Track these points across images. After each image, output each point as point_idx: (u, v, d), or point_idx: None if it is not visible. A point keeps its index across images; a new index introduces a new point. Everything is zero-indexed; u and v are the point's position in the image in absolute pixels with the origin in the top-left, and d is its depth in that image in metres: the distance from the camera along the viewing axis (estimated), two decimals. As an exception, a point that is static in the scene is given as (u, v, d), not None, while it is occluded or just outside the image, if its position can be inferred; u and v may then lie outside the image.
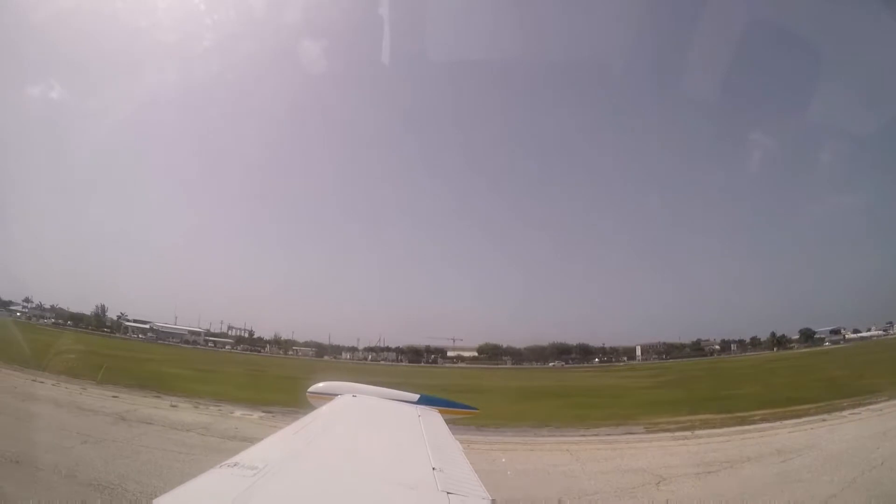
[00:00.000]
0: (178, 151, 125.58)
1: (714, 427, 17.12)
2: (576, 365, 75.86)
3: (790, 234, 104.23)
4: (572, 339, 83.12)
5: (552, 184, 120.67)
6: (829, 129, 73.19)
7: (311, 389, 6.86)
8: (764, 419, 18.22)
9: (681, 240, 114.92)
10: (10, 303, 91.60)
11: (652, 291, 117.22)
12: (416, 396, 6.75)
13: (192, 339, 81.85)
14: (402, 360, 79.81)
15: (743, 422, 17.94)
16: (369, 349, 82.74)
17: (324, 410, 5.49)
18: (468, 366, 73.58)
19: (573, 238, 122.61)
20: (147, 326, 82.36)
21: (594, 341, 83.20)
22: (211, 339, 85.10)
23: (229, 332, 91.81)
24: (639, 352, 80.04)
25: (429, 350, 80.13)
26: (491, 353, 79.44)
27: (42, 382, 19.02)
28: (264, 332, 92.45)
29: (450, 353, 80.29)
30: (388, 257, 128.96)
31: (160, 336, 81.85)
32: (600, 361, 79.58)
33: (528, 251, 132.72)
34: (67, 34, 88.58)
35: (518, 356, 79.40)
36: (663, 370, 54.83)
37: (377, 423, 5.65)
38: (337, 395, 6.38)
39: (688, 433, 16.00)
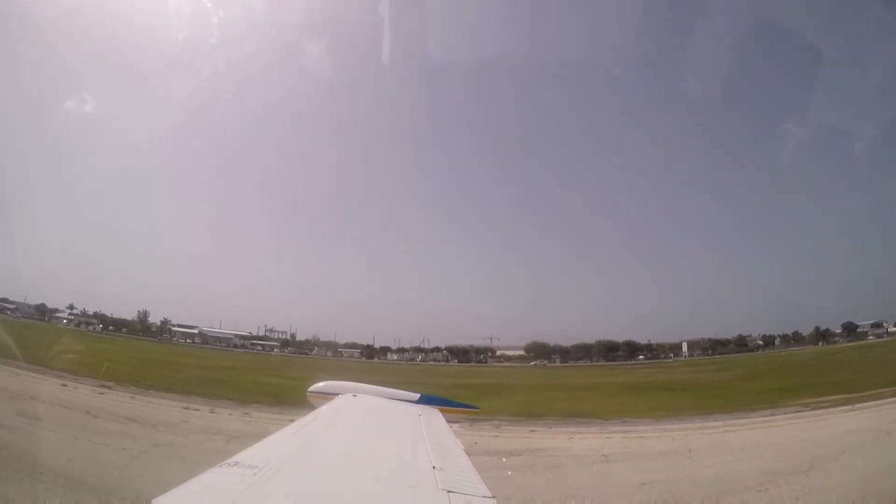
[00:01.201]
0: (204, 159, 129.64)
1: (858, 402, 19.86)
2: (623, 363, 78.13)
3: (826, 227, 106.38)
4: (614, 335, 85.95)
5: (578, 184, 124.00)
6: (860, 116, 75.77)
7: (311, 389, 7.12)
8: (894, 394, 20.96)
9: (716, 236, 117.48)
10: (56, 310, 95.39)
11: (691, 288, 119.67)
12: (416, 396, 6.99)
13: (240, 344, 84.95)
14: (450, 360, 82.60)
15: (878, 397, 20.69)
16: (417, 349, 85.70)
17: (324, 410, 5.66)
18: (521, 365, 76.26)
19: (605, 238, 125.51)
20: (195, 331, 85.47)
21: (630, 337, 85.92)
22: (257, 342, 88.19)
23: (270, 335, 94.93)
24: (685, 348, 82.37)
25: (477, 350, 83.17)
26: (538, 352, 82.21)
27: (196, 410, 18.33)
28: (300, 333, 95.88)
29: (498, 353, 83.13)
30: (422, 258, 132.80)
31: (207, 340, 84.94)
32: (645, 358, 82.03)
33: (564, 250, 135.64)
34: (69, 38, 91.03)
35: (565, 354, 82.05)
36: (722, 365, 57.13)
37: (378, 422, 5.85)
38: (337, 394, 6.62)
39: (848, 406, 18.78)
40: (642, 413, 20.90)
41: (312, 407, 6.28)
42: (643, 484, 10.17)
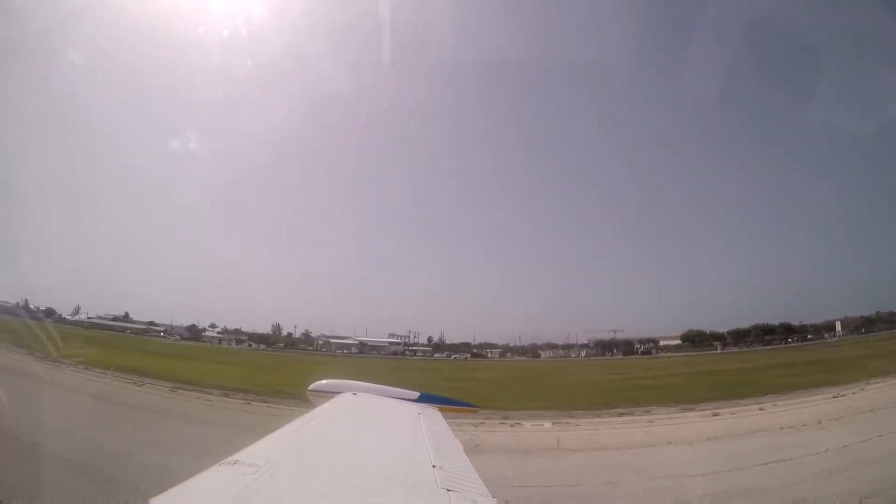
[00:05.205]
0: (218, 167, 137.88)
1: None
2: (779, 346, 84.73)
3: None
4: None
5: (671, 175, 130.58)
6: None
7: (311, 387, 7.62)
8: None
9: (828, 216, 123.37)
10: (203, 330, 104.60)
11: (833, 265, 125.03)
12: (416, 394, 7.55)
13: (398, 351, 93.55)
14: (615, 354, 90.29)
15: None
16: (582, 346, 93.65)
17: (324, 409, 6.12)
18: (690, 353, 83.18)
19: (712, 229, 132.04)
20: (355, 342, 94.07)
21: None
22: (411, 349, 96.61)
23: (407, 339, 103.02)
24: (839, 327, 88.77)
25: (640, 341, 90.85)
26: (695, 340, 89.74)
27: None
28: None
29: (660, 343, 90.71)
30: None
31: (363, 350, 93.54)
32: (793, 341, 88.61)
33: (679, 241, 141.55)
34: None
35: (723, 340, 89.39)
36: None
37: (377, 421, 6.31)
38: (337, 393, 7.11)
39: None
40: None
41: (312, 405, 6.74)
42: None
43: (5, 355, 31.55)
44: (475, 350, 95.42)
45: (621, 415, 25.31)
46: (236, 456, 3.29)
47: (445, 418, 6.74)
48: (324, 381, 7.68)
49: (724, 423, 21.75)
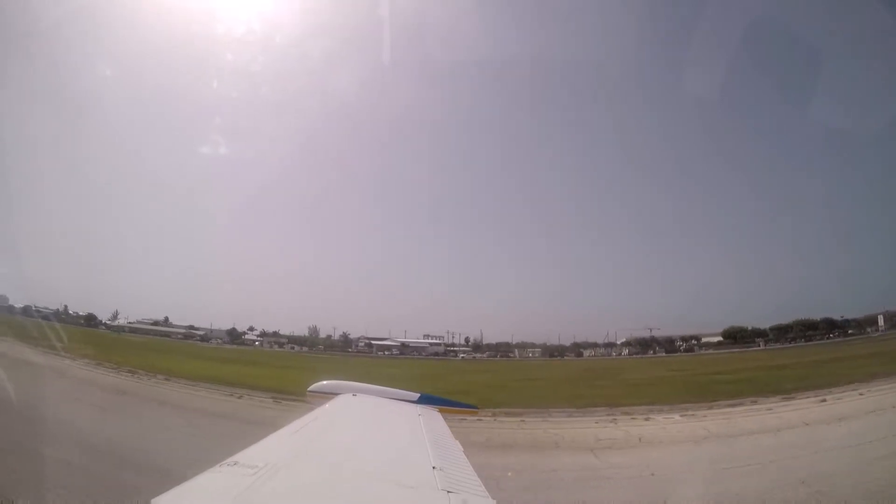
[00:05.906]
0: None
1: None
2: (822, 341, 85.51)
3: None
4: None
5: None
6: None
7: (311, 388, 7.69)
8: None
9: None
10: (243, 333, 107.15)
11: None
12: (416, 396, 7.59)
13: (439, 352, 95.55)
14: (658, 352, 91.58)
15: None
16: (625, 344, 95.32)
17: (324, 410, 6.24)
18: (734, 350, 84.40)
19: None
20: (396, 343, 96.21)
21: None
22: (452, 349, 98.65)
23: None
24: (881, 321, 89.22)
25: (683, 339, 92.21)
26: (737, 336, 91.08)
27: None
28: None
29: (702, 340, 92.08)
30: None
31: (404, 351, 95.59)
32: (835, 336, 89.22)
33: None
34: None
35: (764, 336, 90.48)
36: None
37: (377, 422, 6.48)
38: (337, 394, 7.22)
39: None
40: None
41: (312, 406, 6.79)
42: None
43: (84, 369, 31.55)
44: (564, 348, 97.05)
45: (731, 405, 27.00)
46: (236, 457, 3.38)
47: (446, 420, 6.88)
48: (324, 382, 7.82)
49: (839, 407, 23.13)
